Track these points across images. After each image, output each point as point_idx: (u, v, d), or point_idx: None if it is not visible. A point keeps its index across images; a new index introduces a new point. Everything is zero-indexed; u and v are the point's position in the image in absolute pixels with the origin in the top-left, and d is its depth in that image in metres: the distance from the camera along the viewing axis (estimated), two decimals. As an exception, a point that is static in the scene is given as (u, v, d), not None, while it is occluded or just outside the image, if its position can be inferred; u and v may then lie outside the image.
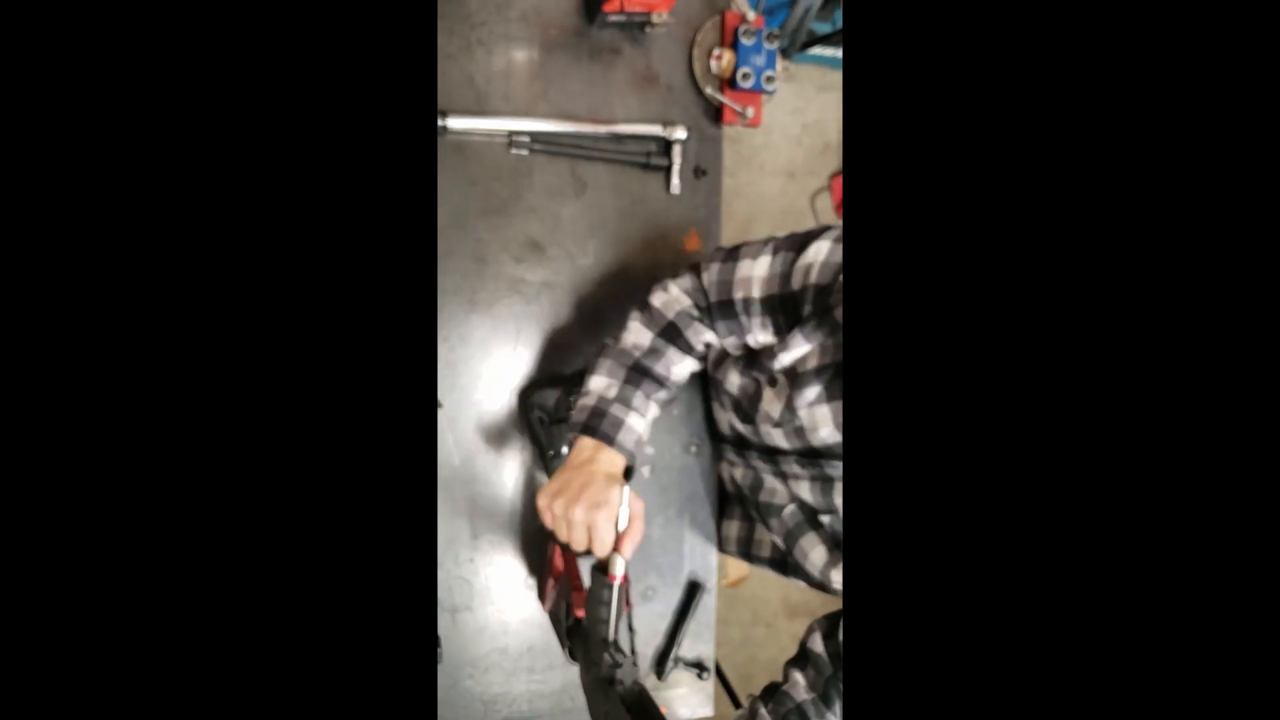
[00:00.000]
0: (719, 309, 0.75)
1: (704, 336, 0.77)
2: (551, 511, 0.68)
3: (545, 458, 0.86)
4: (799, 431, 0.71)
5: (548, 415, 0.84)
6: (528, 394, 0.86)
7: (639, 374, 0.75)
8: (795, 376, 0.69)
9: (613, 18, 0.85)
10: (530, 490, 0.89)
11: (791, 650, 0.77)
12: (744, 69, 0.89)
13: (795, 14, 1.68)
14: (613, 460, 0.71)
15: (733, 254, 0.74)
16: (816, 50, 1.86)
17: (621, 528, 0.66)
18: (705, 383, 0.94)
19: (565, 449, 0.80)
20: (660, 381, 0.76)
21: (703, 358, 0.80)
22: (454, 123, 0.83)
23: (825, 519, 0.76)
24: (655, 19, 0.86)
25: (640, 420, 0.74)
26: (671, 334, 0.76)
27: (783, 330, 0.71)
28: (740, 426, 0.81)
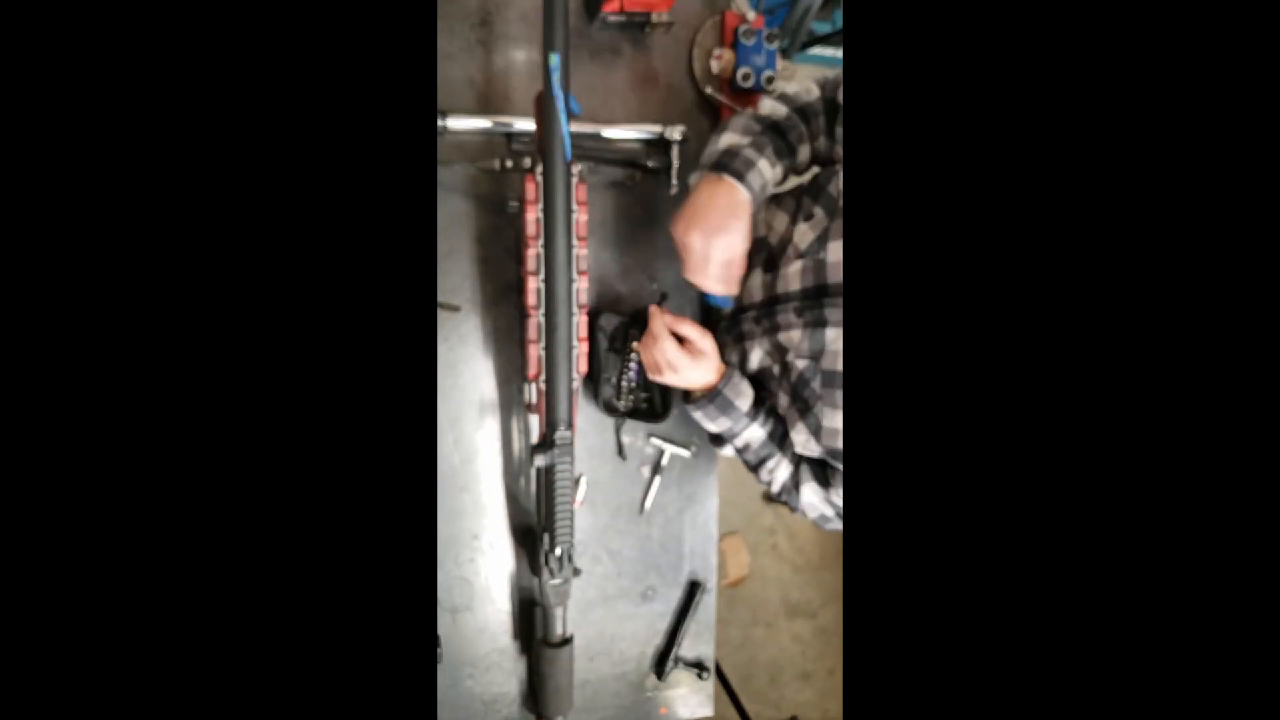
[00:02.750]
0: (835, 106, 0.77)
1: (814, 143, 0.78)
2: (682, 239, 0.73)
3: (597, 380, 0.88)
4: (818, 267, 0.72)
5: (607, 339, 0.87)
6: (595, 316, 0.88)
7: (774, 132, 0.76)
8: (835, 211, 0.71)
9: (613, 18, 0.85)
10: (529, 491, 0.89)
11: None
12: (744, 69, 0.89)
13: (795, 14, 1.67)
14: (734, 200, 0.72)
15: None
16: (816, 50, 1.86)
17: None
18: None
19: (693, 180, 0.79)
20: (791, 148, 0.76)
21: (792, 169, 0.80)
22: (454, 123, 0.83)
23: (800, 364, 0.75)
24: (655, 19, 0.86)
25: (769, 169, 0.74)
26: (805, 114, 0.77)
27: None
28: (757, 284, 0.82)
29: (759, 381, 0.85)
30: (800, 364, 0.74)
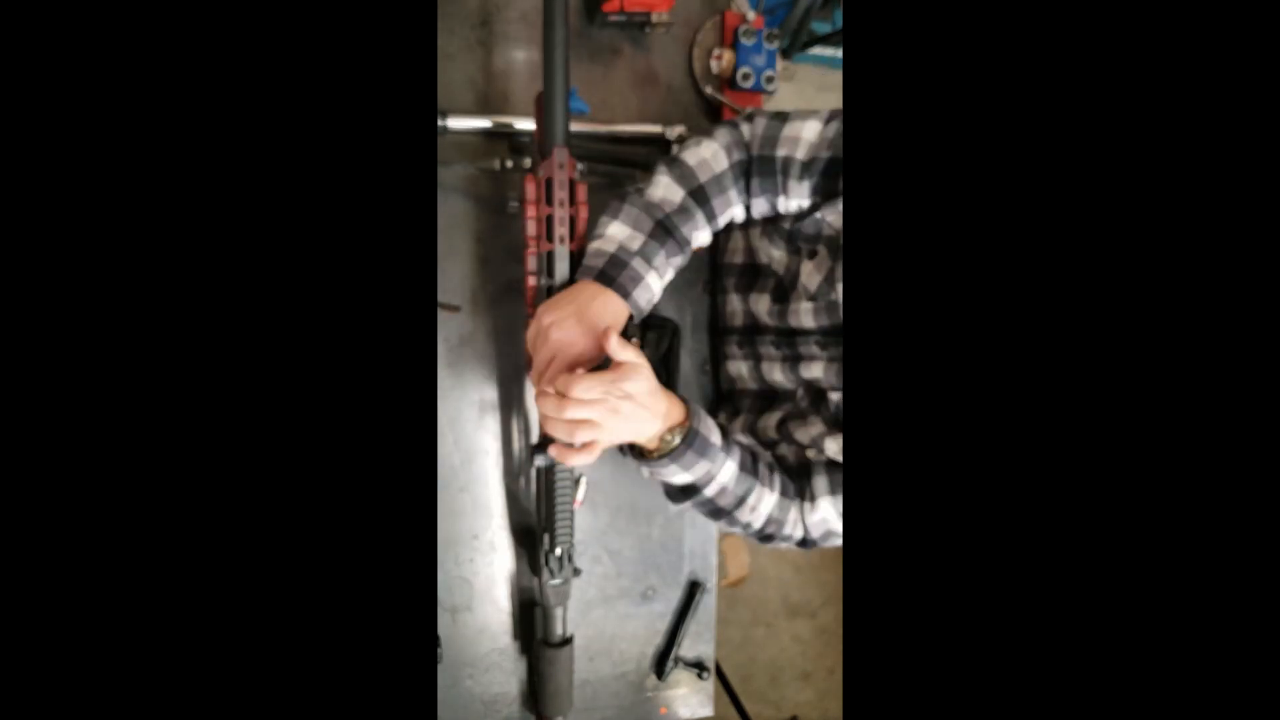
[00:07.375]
0: (759, 164, 0.71)
1: (731, 209, 0.73)
2: (539, 322, 0.63)
3: None
4: (831, 308, 0.69)
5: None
6: None
7: (665, 232, 0.68)
8: (838, 249, 0.68)
9: (613, 18, 0.85)
10: (529, 491, 0.89)
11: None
12: (744, 69, 0.89)
13: (795, 14, 1.68)
14: (617, 311, 0.65)
15: (781, 115, 0.73)
16: (816, 50, 1.86)
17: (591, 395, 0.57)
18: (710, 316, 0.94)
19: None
20: (682, 245, 0.70)
21: (717, 232, 0.74)
22: (454, 123, 0.83)
23: (835, 396, 0.71)
24: (655, 19, 0.86)
25: (658, 282, 0.68)
26: (701, 198, 0.70)
27: (820, 194, 0.70)
28: (765, 309, 0.79)
29: (770, 395, 0.84)
30: (835, 397, 0.71)
